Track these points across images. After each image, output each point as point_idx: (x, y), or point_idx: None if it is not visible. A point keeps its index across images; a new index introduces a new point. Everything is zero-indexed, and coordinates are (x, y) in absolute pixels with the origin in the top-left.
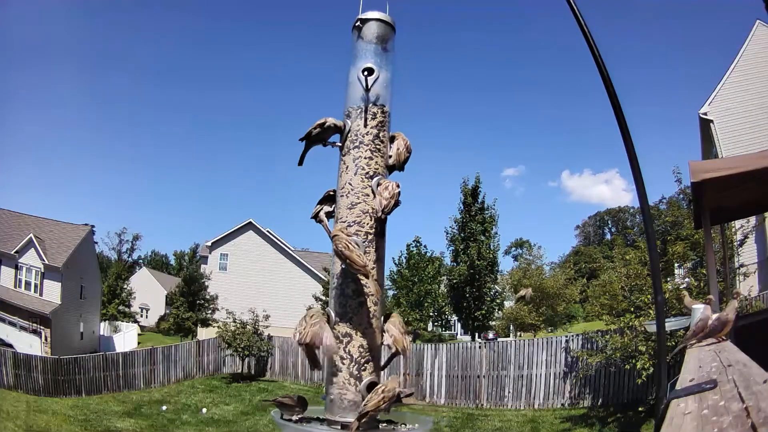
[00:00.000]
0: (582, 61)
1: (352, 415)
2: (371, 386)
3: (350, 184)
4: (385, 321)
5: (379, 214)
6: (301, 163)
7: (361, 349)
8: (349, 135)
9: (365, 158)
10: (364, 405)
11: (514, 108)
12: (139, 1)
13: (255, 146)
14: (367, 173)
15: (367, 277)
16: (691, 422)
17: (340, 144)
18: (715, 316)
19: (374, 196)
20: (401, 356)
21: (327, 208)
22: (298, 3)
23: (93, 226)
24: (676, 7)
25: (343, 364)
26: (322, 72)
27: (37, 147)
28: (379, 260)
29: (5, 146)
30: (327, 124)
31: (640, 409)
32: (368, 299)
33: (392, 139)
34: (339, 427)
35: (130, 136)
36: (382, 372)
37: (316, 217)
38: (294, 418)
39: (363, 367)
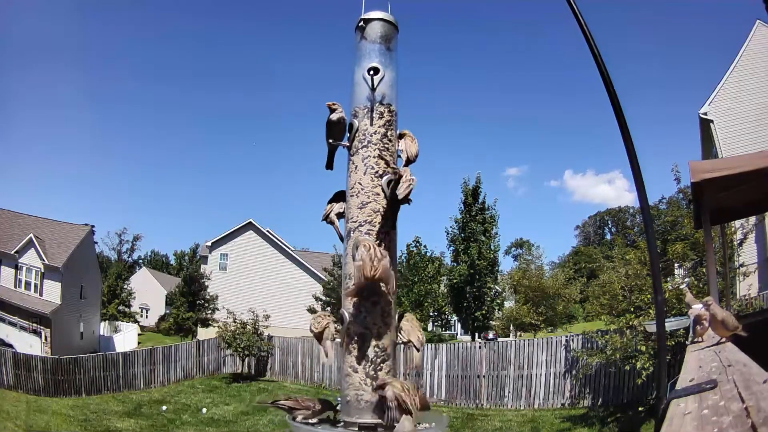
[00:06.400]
0: (586, 60)
1: (369, 415)
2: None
3: (360, 183)
4: (398, 320)
5: (395, 200)
6: (329, 166)
7: (377, 349)
8: (357, 135)
9: (374, 157)
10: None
11: (517, 108)
12: (139, 0)
13: (255, 146)
14: (377, 172)
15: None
16: (691, 422)
17: (348, 144)
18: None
19: (384, 195)
20: (405, 356)
21: (338, 208)
22: (299, 2)
23: (93, 226)
24: (677, 7)
25: (359, 364)
26: (324, 72)
27: (37, 147)
28: (392, 258)
29: (5, 146)
30: (330, 120)
31: (640, 409)
32: (382, 298)
33: (400, 137)
34: (357, 428)
35: (131, 136)
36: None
37: (327, 218)
38: (310, 420)
39: (379, 367)
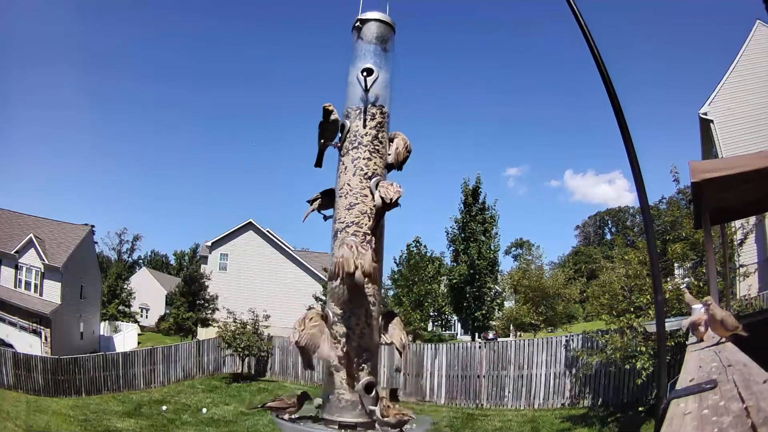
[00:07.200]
0: (586, 60)
1: (349, 414)
2: (369, 386)
3: (349, 184)
4: (385, 320)
5: (385, 202)
6: (318, 164)
7: (359, 349)
8: (348, 136)
9: (364, 159)
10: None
11: (517, 108)
12: (139, 0)
13: (255, 146)
14: (366, 174)
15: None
16: (691, 422)
17: (339, 144)
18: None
19: (373, 197)
20: (401, 355)
21: (322, 202)
22: (297, 2)
23: (93, 226)
24: (677, 7)
25: (341, 364)
26: (322, 72)
27: (38, 147)
28: (377, 261)
29: (5, 146)
30: (323, 121)
31: (640, 409)
32: (366, 299)
33: (392, 139)
34: (336, 427)
35: (131, 136)
36: (380, 372)
37: (311, 201)
38: (293, 417)
39: (361, 367)
